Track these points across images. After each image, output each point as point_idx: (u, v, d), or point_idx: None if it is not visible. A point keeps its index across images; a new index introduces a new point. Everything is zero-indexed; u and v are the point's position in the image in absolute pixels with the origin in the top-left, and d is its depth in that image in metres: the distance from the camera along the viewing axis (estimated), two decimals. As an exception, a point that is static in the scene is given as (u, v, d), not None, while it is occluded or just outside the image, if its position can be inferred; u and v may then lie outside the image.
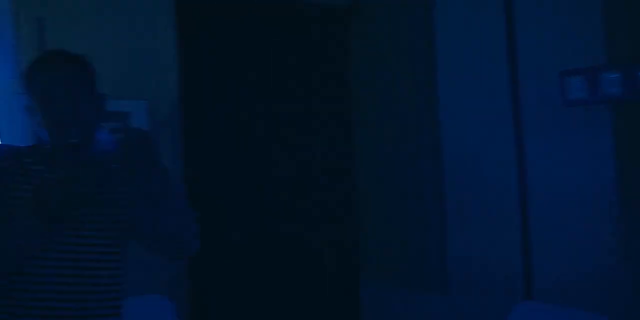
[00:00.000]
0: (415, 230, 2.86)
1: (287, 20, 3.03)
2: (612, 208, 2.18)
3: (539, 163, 2.42)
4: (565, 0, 2.32)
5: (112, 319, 1.61)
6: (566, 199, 2.33)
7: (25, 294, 1.53)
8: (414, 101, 2.87)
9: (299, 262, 3.07)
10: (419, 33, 2.81)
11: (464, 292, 2.67)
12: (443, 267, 2.71)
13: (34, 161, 1.58)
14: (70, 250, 1.55)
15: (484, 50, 2.58)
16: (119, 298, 1.62)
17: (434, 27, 2.71)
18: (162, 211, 1.52)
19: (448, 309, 2.71)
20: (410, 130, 2.89)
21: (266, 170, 3.02)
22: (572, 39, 2.27)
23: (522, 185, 2.52)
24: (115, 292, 1.62)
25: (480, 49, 2.59)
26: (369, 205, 3.13)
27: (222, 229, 2.84)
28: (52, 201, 1.43)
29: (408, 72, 2.89)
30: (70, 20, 2.49)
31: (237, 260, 2.92)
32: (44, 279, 1.53)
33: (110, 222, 1.61)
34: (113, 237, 1.61)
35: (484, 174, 2.65)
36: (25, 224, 1.44)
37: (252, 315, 2.95)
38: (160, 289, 2.48)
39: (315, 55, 3.10)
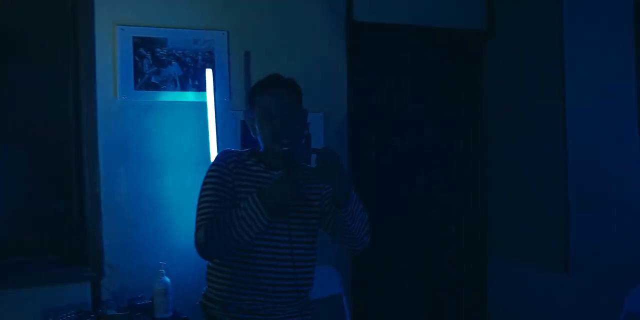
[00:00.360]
0: (540, 214, 2.89)
1: (432, 43, 3.19)
2: None
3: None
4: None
5: (310, 287, 1.86)
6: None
7: (249, 268, 1.74)
8: (542, 108, 2.89)
9: (438, 243, 3.24)
10: (550, 55, 2.83)
11: (584, 272, 2.69)
12: (565, 248, 2.74)
13: (253, 163, 1.81)
14: (285, 233, 1.75)
15: (612, 72, 2.61)
16: (314, 271, 1.87)
17: (564, 49, 2.76)
18: (347, 214, 1.66)
19: (569, 286, 2.77)
20: (538, 130, 2.90)
21: (414, 167, 3.22)
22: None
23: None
24: (312, 267, 1.86)
25: (610, 71, 2.62)
26: (499, 192, 3.19)
27: (377, 218, 2.89)
28: (275, 196, 1.62)
29: (538, 88, 2.92)
30: (268, 52, 2.79)
31: (388, 239, 3.13)
32: (263, 255, 1.74)
33: (309, 213, 1.81)
34: (311, 224, 1.82)
35: (607, 165, 2.73)
36: (250, 213, 1.63)
37: (397, 282, 3.18)
38: (328, 261, 2.73)
39: (455, 75, 3.24)
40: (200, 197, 1.76)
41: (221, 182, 1.73)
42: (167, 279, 2.52)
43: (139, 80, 2.61)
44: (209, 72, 2.67)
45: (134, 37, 2.60)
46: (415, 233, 3.25)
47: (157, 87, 2.64)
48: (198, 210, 1.75)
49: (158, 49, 2.65)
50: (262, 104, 1.76)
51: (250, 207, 1.61)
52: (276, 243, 1.74)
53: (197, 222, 1.73)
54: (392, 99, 3.18)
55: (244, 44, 2.78)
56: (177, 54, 2.67)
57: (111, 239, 2.59)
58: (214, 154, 2.60)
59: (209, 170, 1.78)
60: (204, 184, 1.77)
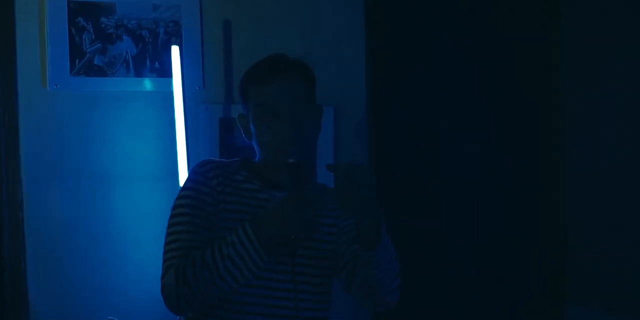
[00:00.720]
0: (632, 252, 2.60)
1: (474, 19, 2.88)
2: None
3: None
4: None
5: None
6: None
7: None
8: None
9: (497, 287, 2.90)
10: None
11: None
12: None
13: (244, 178, 1.56)
14: (287, 279, 1.49)
15: None
16: None
17: None
18: (372, 260, 1.42)
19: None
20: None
21: (461, 183, 2.92)
22: None
23: None
24: None
25: None
26: (579, 227, 2.88)
27: (412, 256, 2.71)
28: (276, 227, 1.39)
29: (625, 63, 2.62)
30: (257, 23, 2.52)
31: (428, 284, 2.79)
32: (255, 309, 1.51)
33: (322, 251, 1.57)
34: (324, 267, 1.58)
35: None
36: (240, 250, 1.40)
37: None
38: (344, 316, 2.35)
39: (515, 50, 2.91)
40: (170, 226, 1.53)
41: (199, 204, 1.51)
42: (117, 343, 2.27)
43: (77, 62, 2.32)
44: (175, 51, 2.34)
45: (69, 2, 2.30)
46: (466, 274, 2.89)
47: (102, 72, 2.35)
48: (166, 244, 1.51)
49: (103, 19, 2.34)
50: (260, 96, 1.53)
51: (240, 241, 1.39)
52: (275, 292, 1.51)
53: (164, 261, 1.50)
54: (430, 84, 2.89)
55: (222, 11, 2.49)
56: (129, 26, 2.38)
57: (39, 285, 2.28)
58: (183, 165, 2.30)
59: (183, 188, 1.56)
60: (175, 207, 1.53)
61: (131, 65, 2.37)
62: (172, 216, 1.53)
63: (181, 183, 1.81)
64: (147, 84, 2.39)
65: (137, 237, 2.32)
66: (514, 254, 2.94)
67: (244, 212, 1.53)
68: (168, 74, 2.35)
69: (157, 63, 2.39)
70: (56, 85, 2.27)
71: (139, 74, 2.38)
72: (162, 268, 1.49)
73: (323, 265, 1.58)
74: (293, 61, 1.58)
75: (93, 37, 2.31)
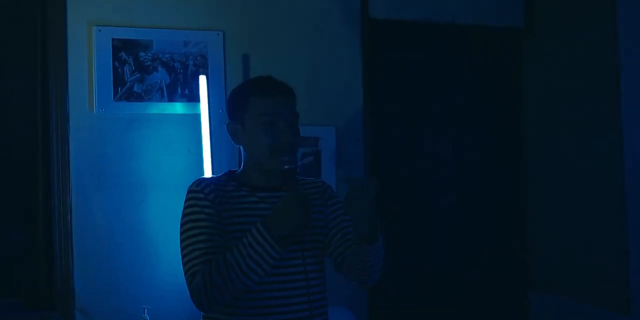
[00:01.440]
0: (592, 240, 2.69)
1: (460, 43, 3.04)
2: None
3: None
4: None
5: None
6: None
7: (258, 313, 1.57)
8: (593, 118, 2.71)
9: (470, 277, 3.02)
10: (601, 55, 2.64)
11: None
12: (625, 282, 2.52)
13: (233, 188, 1.63)
14: (299, 263, 1.60)
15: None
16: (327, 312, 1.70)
17: (618, 48, 2.54)
18: (367, 251, 1.52)
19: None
20: (588, 142, 2.73)
21: (443, 188, 3.03)
22: None
23: None
24: (327, 306, 1.69)
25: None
26: (543, 219, 2.99)
27: (400, 251, 2.82)
28: (285, 224, 1.47)
29: (587, 94, 2.74)
30: (271, 56, 2.62)
31: (410, 275, 2.91)
32: (273, 294, 1.58)
33: (317, 234, 1.66)
34: (322, 253, 1.68)
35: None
36: (257, 248, 1.47)
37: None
38: (343, 301, 2.53)
39: (489, 77, 3.08)
40: (184, 239, 1.57)
41: (204, 217, 1.56)
42: (151, 326, 2.30)
43: (120, 89, 2.43)
44: (202, 79, 2.47)
45: (113, 40, 2.42)
46: (443, 266, 3.01)
47: (140, 98, 2.45)
48: (185, 255, 1.55)
49: (142, 53, 2.46)
50: (262, 108, 1.59)
51: (256, 241, 1.47)
52: (290, 276, 1.60)
53: (187, 269, 1.54)
54: (416, 109, 3.00)
55: (242, 47, 2.60)
56: (164, 59, 2.48)
57: (84, 279, 2.38)
58: (209, 175, 2.41)
59: (186, 206, 1.60)
60: (184, 223, 1.58)
61: (165, 92, 2.46)
62: (183, 231, 1.57)
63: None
64: (179, 107, 2.48)
65: (168, 237, 2.35)
66: (483, 248, 3.04)
67: (241, 215, 1.59)
68: (196, 99, 2.46)
69: (187, 90, 2.48)
70: (102, 109, 2.39)
71: (171, 99, 2.47)
72: (186, 276, 1.53)
73: (321, 253, 1.67)
74: (284, 82, 1.66)
75: (133, 68, 2.42)
